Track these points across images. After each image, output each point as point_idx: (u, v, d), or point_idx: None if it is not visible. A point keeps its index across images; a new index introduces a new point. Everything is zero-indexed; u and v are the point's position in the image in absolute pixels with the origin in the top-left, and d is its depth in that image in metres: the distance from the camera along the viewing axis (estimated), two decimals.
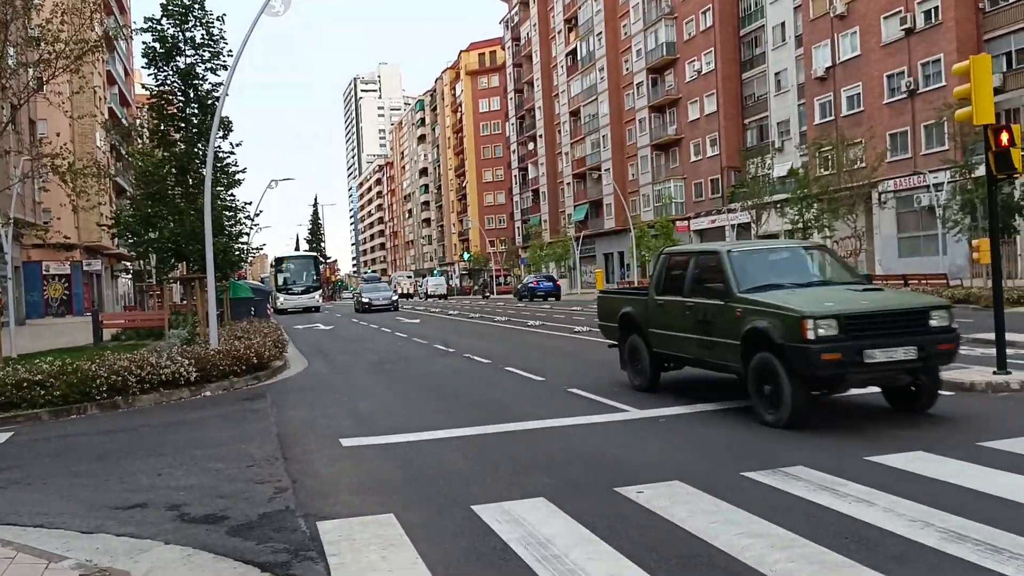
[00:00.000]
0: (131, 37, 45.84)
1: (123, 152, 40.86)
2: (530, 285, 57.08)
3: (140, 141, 25.04)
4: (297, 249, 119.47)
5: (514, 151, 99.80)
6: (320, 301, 54.56)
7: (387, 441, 8.52)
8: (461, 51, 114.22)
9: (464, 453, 7.74)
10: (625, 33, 68.73)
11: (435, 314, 39.19)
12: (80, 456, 8.56)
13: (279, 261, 55.69)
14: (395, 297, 49.84)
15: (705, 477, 6.32)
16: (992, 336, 10.83)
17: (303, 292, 52.27)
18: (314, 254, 63.82)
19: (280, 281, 52.90)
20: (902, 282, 30.52)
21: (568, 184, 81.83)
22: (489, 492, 6.25)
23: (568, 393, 11.17)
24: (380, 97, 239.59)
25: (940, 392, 8.63)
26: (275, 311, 48.55)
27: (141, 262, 44.10)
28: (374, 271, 60.42)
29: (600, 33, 71.90)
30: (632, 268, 60.30)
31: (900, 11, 40.20)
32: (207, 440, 9.10)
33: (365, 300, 47.76)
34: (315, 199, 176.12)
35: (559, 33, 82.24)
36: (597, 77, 73.32)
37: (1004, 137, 10.10)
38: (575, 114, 79.00)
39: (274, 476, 7.19)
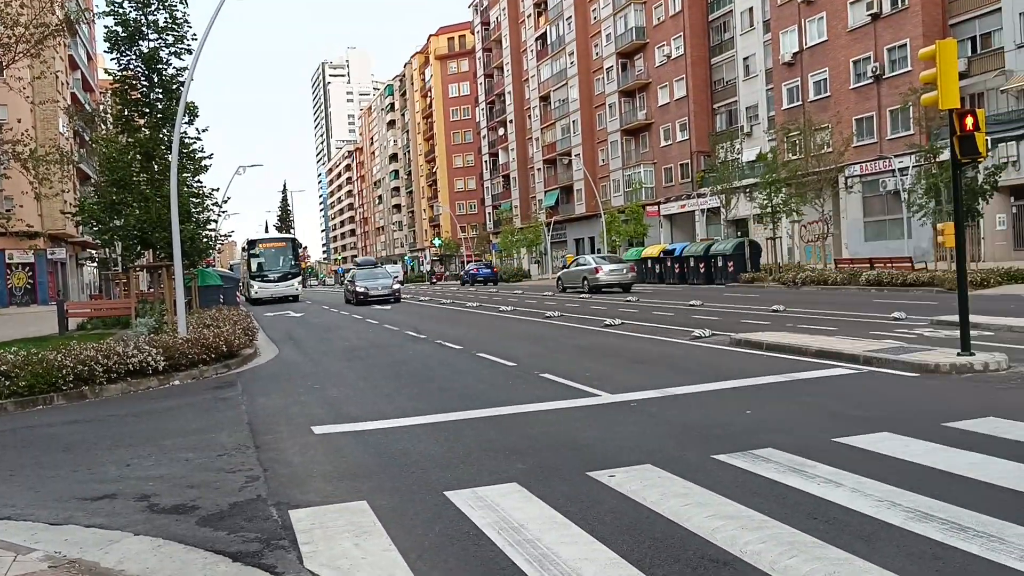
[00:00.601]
0: (93, 21, 45.08)
1: (87, 138, 40.20)
2: (471, 272, 66.29)
3: (104, 127, 24.68)
4: (267, 234, 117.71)
5: (484, 136, 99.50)
6: (299, 290, 49.07)
7: (359, 428, 8.50)
8: (430, 35, 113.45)
9: (436, 439, 7.74)
10: (595, 18, 68.67)
11: (407, 300, 39.06)
12: (47, 447, 8.45)
13: (252, 244, 48.51)
14: (396, 286, 38.45)
15: (676, 460, 6.38)
16: (956, 318, 11.02)
17: (280, 279, 46.55)
18: (292, 236, 55.26)
19: (254, 267, 46.71)
20: (868, 265, 30.97)
21: (539, 170, 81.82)
22: (462, 478, 6.26)
23: (540, 378, 11.20)
24: (349, 82, 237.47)
25: (902, 373, 8.76)
26: (249, 300, 46.32)
27: (107, 250, 43.58)
28: (368, 258, 54.88)
29: (570, 18, 71.77)
30: (603, 253, 60.45)
31: None
32: (176, 429, 9.02)
33: (359, 289, 36.75)
34: (284, 185, 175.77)
35: (528, 17, 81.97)
36: (567, 62, 73.24)
37: (969, 121, 10.23)
38: (545, 99, 78.89)
39: (245, 465, 7.14)
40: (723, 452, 6.51)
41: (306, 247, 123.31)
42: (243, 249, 53.42)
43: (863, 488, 5.37)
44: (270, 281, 46.24)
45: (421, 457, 7.06)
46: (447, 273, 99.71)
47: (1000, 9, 34.81)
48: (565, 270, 40.72)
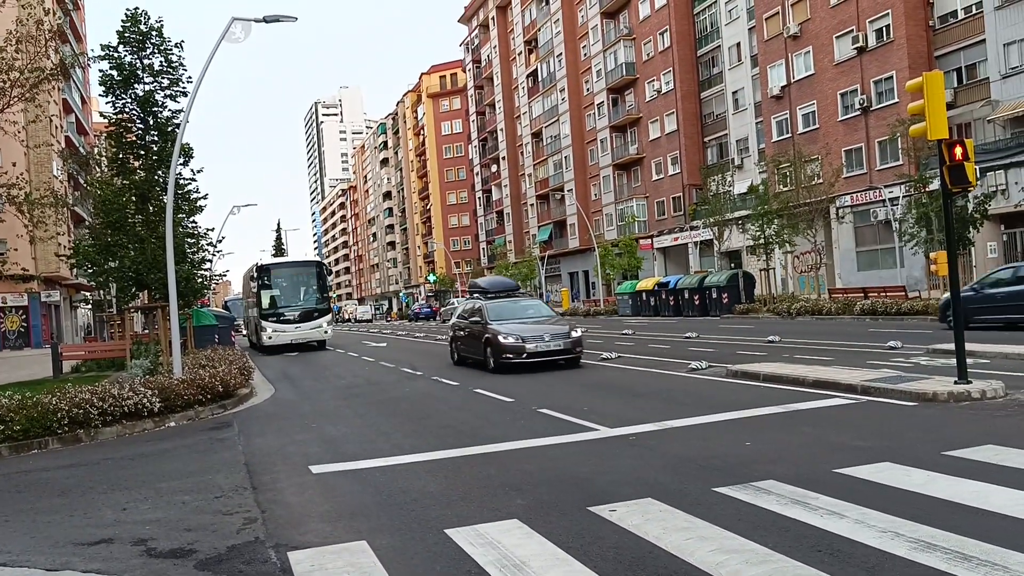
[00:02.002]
0: (88, 65, 45.46)
1: (81, 181, 40.32)
2: (415, 311, 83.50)
3: (99, 170, 24.77)
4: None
5: (477, 173, 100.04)
6: (328, 333, 34.31)
7: (358, 467, 8.44)
8: (422, 73, 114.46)
9: (436, 476, 7.69)
10: (584, 54, 69.43)
11: (402, 337, 39.00)
12: (43, 492, 8.37)
13: (263, 272, 34.01)
14: (575, 333, 18.05)
15: (677, 493, 6.35)
16: (951, 346, 11.04)
17: (302, 318, 32.99)
18: (317, 260, 41.67)
19: (266, 302, 32.93)
20: (862, 294, 31.05)
21: (532, 205, 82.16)
22: (462, 515, 6.22)
23: (538, 413, 11.16)
24: (342, 121, 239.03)
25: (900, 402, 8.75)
26: (257, 348, 34.46)
27: (101, 292, 43.50)
28: (499, 278, 26.87)
29: (560, 55, 72.54)
30: (597, 287, 60.57)
31: (852, 30, 41.10)
32: (173, 472, 8.95)
33: (509, 341, 17.68)
34: (278, 224, 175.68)
35: (519, 55, 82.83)
36: (558, 98, 73.90)
37: (958, 151, 10.34)
38: (537, 135, 79.46)
39: (243, 506, 7.08)
40: (724, 485, 6.48)
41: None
42: (250, 278, 37.13)
43: (866, 519, 5.34)
44: (289, 321, 32.70)
45: (420, 495, 7.01)
46: (396, 312, 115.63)
47: (984, 41, 35.32)
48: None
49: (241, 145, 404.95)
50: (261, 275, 33.50)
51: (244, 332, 46.80)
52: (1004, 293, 19.20)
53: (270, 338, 31.87)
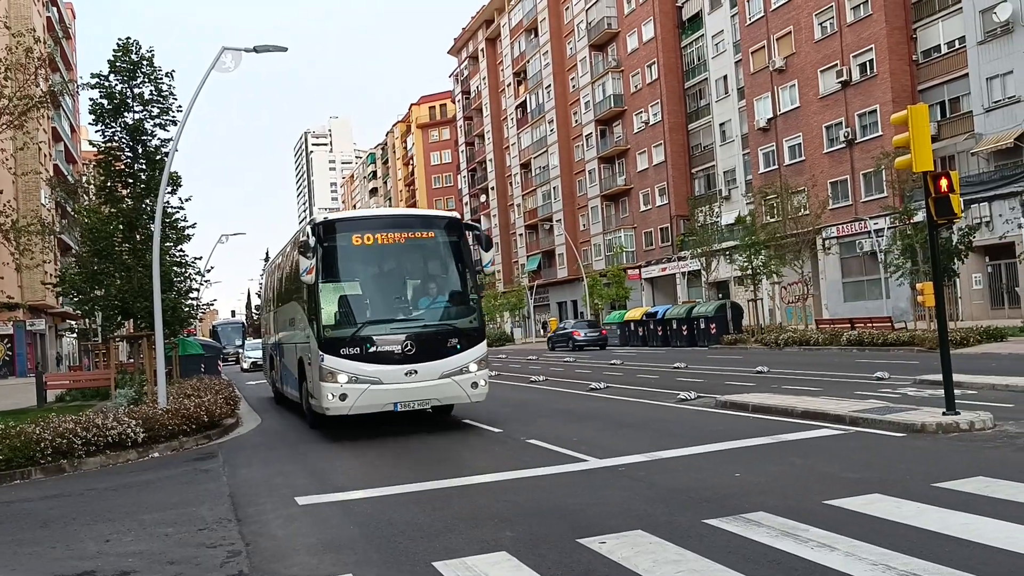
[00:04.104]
0: (77, 93, 45.52)
1: (69, 209, 40.23)
2: None
3: (86, 198, 24.69)
4: (234, 316, 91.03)
5: (466, 203, 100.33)
6: (481, 383, 13.35)
7: (345, 498, 8.35)
8: (412, 104, 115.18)
9: (424, 508, 7.61)
10: (573, 86, 70.03)
11: None
12: (24, 523, 8.24)
13: (329, 236, 13.09)
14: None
15: (667, 525, 6.30)
16: (939, 377, 11.07)
17: (420, 349, 12.66)
18: (448, 213, 15.01)
19: (333, 309, 12.82)
20: (849, 325, 31.17)
21: (520, 235, 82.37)
22: (450, 547, 6.15)
23: (526, 444, 11.10)
24: (331, 151, 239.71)
25: (888, 433, 8.77)
26: (315, 415, 14.01)
27: (87, 320, 43.21)
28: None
29: (549, 86, 73.15)
30: (586, 316, 60.59)
31: (836, 64, 41.64)
32: (156, 503, 8.84)
33: None
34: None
35: (508, 86, 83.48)
36: (547, 129, 74.41)
37: (943, 183, 10.44)
38: (526, 166, 79.88)
39: (227, 539, 6.98)
40: (714, 516, 6.44)
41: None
42: (300, 249, 13.31)
43: (857, 551, 5.31)
44: (389, 358, 12.55)
45: (408, 527, 6.93)
46: None
47: (967, 75, 35.85)
48: None
49: (230, 175, 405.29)
50: (325, 247, 13.10)
51: (245, 366, 40.83)
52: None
53: (343, 397, 12.51)
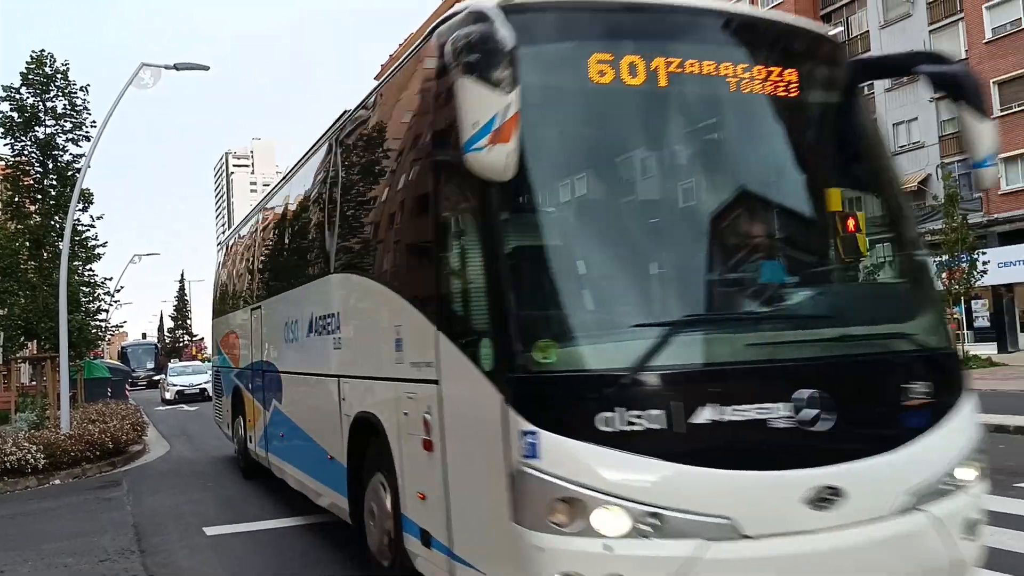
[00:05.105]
0: None
1: None
2: None
3: None
4: (145, 338, 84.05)
5: None
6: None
7: (255, 528, 8.17)
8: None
9: (336, 540, 7.49)
10: None
11: None
12: None
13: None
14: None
15: None
16: None
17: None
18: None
19: (564, 309, 4.00)
20: None
21: None
22: None
23: None
24: (252, 172, 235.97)
25: None
26: None
27: None
28: None
29: None
30: None
31: None
32: (55, 533, 8.49)
33: None
34: (182, 275, 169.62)
35: None
36: None
37: (851, 223, 10.88)
38: None
39: (129, 570, 6.76)
40: None
41: (203, 338, 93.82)
42: (460, 68, 3.56)
43: None
44: (778, 451, 3.73)
45: (321, 559, 6.81)
46: None
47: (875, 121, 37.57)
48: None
49: (146, 193, 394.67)
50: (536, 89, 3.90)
51: (168, 395, 33.12)
52: None
53: None
